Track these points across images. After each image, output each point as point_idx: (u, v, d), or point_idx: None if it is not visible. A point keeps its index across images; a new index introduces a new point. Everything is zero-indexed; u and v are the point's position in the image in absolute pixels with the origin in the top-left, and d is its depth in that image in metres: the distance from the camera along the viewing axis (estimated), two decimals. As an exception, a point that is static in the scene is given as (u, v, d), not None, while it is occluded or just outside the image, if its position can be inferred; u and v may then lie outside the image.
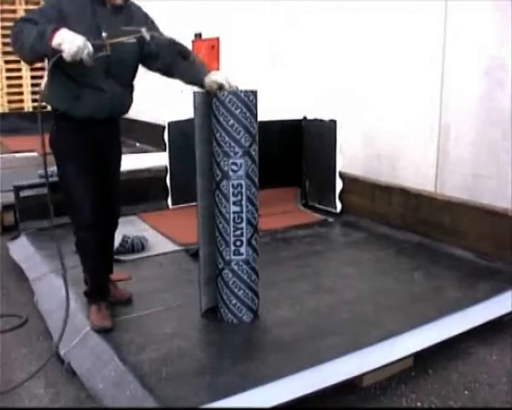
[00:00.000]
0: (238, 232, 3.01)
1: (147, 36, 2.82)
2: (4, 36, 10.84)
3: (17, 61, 10.98)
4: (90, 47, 2.62)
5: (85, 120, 2.90)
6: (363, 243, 4.51)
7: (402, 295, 3.47)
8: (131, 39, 2.82)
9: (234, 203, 2.98)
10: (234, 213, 2.98)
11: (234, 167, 2.95)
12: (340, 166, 5.11)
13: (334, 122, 5.03)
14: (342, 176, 5.13)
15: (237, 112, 2.90)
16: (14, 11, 10.83)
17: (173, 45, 3.02)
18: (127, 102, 3.08)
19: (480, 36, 4.12)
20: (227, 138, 2.92)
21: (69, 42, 2.57)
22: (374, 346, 2.80)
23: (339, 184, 5.14)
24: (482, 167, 4.19)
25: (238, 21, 6.72)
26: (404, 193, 4.69)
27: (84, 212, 2.98)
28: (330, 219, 5.06)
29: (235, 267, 3.04)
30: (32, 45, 2.62)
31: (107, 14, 2.83)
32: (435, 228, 4.40)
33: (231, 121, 2.90)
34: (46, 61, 2.73)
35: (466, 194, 4.28)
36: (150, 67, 3.11)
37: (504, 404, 2.60)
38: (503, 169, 4.03)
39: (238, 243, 3.02)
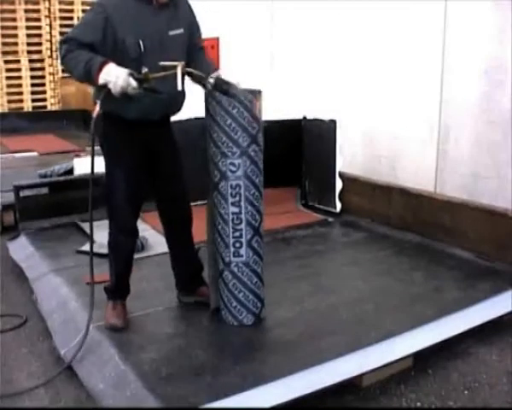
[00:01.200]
0: (237, 234, 2.98)
1: (180, 80, 2.78)
2: (4, 36, 10.84)
3: (17, 61, 10.98)
4: (133, 83, 2.65)
5: (137, 121, 2.87)
6: (363, 243, 4.51)
7: (402, 295, 3.47)
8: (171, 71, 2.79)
9: (232, 204, 2.95)
10: (232, 213, 2.95)
11: (232, 168, 2.91)
12: (340, 166, 5.11)
13: (333, 122, 5.03)
14: (342, 176, 5.13)
15: (234, 111, 2.86)
16: (13, 11, 10.82)
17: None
18: (182, 100, 3.02)
19: (480, 36, 4.12)
20: (224, 138, 2.89)
21: (113, 83, 2.63)
22: (373, 346, 2.80)
23: (339, 184, 5.14)
24: (482, 168, 4.19)
25: (238, 21, 6.72)
26: (404, 193, 4.69)
27: (127, 217, 3.00)
28: (330, 219, 5.06)
29: (235, 269, 3.01)
30: (79, 77, 2.75)
31: (152, 13, 2.81)
32: (435, 228, 4.40)
33: (228, 121, 2.86)
34: None
35: (466, 194, 4.28)
36: None
37: (504, 404, 2.60)
38: (502, 169, 4.03)
39: (237, 245, 2.99)
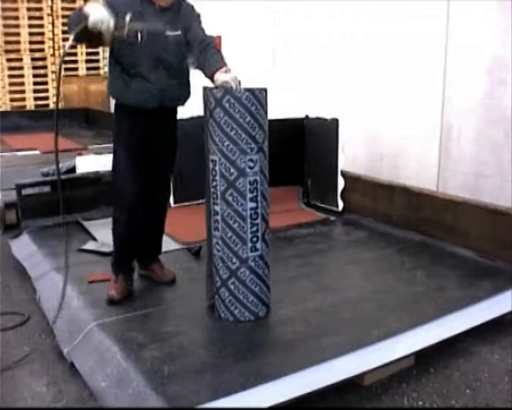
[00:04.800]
0: (254, 228, 3.01)
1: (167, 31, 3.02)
2: (7, 34, 10.84)
3: (19, 60, 10.99)
4: (111, 23, 2.86)
5: (137, 108, 3.14)
6: (365, 241, 4.51)
7: (404, 293, 3.47)
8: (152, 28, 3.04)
9: (250, 200, 2.98)
10: (251, 209, 2.99)
11: (250, 164, 2.96)
12: (342, 164, 5.11)
13: (336, 121, 5.03)
14: (344, 175, 5.13)
15: (253, 109, 2.93)
16: (16, 10, 10.83)
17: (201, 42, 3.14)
18: (180, 95, 3.25)
19: (483, 35, 4.11)
20: (244, 135, 2.93)
21: (95, 9, 2.84)
22: (375, 345, 2.80)
23: (341, 183, 5.14)
24: (484, 166, 4.19)
25: (241, 19, 6.72)
26: (406, 192, 4.69)
27: (129, 192, 3.22)
28: (332, 218, 5.06)
29: (252, 264, 3.04)
30: (71, 18, 2.99)
31: (154, 13, 3.09)
32: (437, 227, 4.40)
33: (248, 118, 2.92)
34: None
35: (468, 193, 4.28)
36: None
37: (506, 403, 2.59)
38: (504, 168, 4.03)
39: (255, 239, 3.02)
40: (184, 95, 3.28)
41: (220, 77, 2.95)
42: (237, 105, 2.90)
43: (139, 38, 3.01)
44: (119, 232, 3.33)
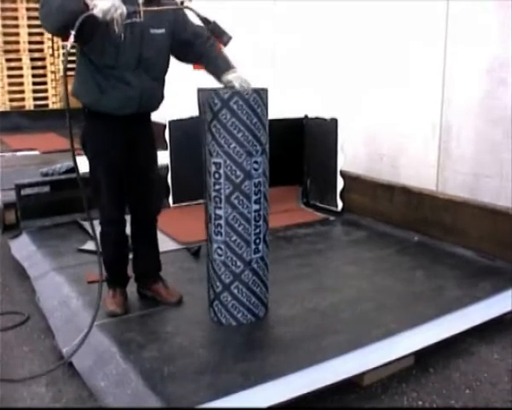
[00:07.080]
0: (257, 230, 3.01)
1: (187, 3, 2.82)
2: (6, 34, 10.84)
3: (18, 60, 10.99)
4: (124, 8, 2.62)
5: (112, 115, 2.94)
6: (364, 241, 4.51)
7: (403, 293, 3.47)
8: (168, 7, 2.88)
9: (255, 202, 2.97)
10: (255, 211, 2.98)
11: (255, 166, 2.95)
12: (342, 164, 5.10)
13: (335, 121, 5.03)
14: (343, 175, 5.13)
15: (259, 110, 2.91)
16: (15, 10, 10.82)
17: (207, 25, 2.97)
18: (157, 98, 3.08)
19: (483, 34, 4.11)
20: (250, 137, 2.91)
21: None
22: (375, 344, 2.80)
23: (340, 183, 5.14)
24: (484, 166, 4.18)
25: (239, 19, 6.71)
26: (406, 192, 4.69)
27: (107, 208, 3.10)
28: (331, 218, 5.06)
29: (255, 266, 3.03)
30: (61, 3, 2.54)
31: (136, 7, 2.81)
32: (436, 227, 4.40)
33: (254, 120, 2.90)
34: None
35: (467, 193, 4.28)
36: (181, 58, 3.14)
37: (506, 403, 2.59)
38: (504, 168, 4.03)
39: (257, 241, 3.02)
40: (161, 97, 3.10)
41: (229, 77, 2.95)
42: (245, 106, 2.88)
43: (122, 37, 2.77)
44: (109, 245, 3.17)
